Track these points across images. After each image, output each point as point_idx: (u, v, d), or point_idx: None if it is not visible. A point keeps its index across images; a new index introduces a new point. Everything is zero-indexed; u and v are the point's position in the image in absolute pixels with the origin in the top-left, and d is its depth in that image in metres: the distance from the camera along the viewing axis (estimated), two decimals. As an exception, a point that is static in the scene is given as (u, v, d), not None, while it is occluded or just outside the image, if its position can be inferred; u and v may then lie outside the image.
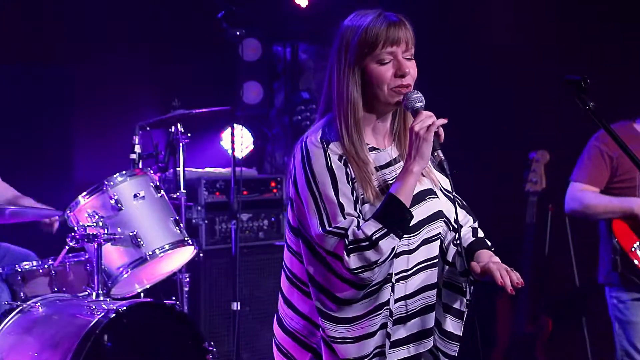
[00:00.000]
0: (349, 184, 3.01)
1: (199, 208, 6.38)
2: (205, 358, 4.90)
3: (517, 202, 6.38)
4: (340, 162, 3.02)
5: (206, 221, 6.39)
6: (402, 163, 3.11)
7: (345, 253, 2.91)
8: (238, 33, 6.24)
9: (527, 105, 6.74)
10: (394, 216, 2.97)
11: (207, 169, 6.75)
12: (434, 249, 3.17)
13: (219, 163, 6.98)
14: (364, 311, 3.02)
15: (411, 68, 3.06)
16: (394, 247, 2.97)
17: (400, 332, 3.12)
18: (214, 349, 4.95)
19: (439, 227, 3.16)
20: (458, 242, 3.17)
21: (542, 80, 6.49)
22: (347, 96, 3.05)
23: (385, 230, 2.93)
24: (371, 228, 2.94)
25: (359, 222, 2.96)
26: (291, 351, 3.17)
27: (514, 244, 6.57)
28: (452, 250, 3.21)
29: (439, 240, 3.18)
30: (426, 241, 3.13)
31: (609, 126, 3.28)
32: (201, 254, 5.92)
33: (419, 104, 3.05)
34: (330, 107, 3.12)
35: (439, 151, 3.01)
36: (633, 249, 5.13)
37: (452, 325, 3.23)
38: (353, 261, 2.91)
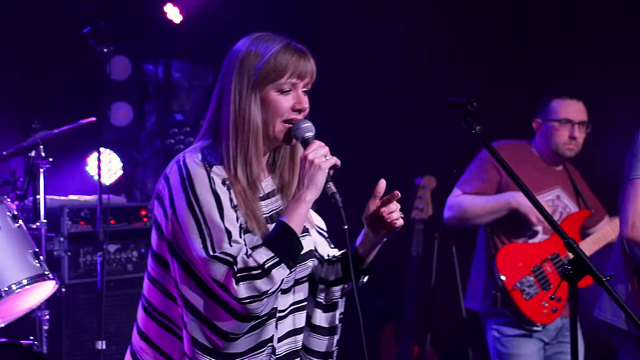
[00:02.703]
0: (232, 210, 2.98)
1: (62, 239, 6.19)
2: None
3: (404, 229, 6.35)
4: (224, 186, 2.99)
5: (69, 253, 6.21)
6: (278, 197, 3.15)
7: (233, 281, 2.86)
8: (106, 50, 6.15)
9: (414, 130, 6.76)
10: (286, 245, 2.96)
11: (71, 197, 6.60)
12: (304, 290, 3.20)
13: (84, 190, 6.82)
14: (247, 347, 3.00)
15: (306, 104, 3.09)
16: (284, 279, 2.95)
17: None
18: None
19: (309, 267, 3.17)
20: (336, 256, 3.26)
21: (429, 104, 6.52)
22: (249, 121, 3.03)
23: (278, 259, 2.91)
24: (262, 256, 2.91)
25: (247, 250, 2.93)
26: None
27: (399, 273, 6.57)
28: (325, 270, 3.25)
29: (308, 282, 3.21)
30: (297, 282, 3.15)
31: (495, 150, 3.25)
32: (63, 289, 5.81)
33: (309, 134, 3.06)
34: (217, 131, 3.08)
35: (331, 183, 3.04)
36: (515, 287, 5.14)
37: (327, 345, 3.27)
38: (242, 290, 2.86)
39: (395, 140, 7.10)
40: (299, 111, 3.07)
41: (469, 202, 5.30)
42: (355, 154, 7.20)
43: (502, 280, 5.15)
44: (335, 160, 3.04)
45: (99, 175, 6.03)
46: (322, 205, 3.17)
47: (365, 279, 3.27)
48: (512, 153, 5.25)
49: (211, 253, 2.89)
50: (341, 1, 7.40)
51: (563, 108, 5.38)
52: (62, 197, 6.49)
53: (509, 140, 5.41)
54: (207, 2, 7.24)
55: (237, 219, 2.97)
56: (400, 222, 3.15)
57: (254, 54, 3.05)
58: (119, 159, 7.38)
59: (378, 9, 7.23)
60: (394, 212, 3.15)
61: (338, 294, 3.25)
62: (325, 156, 3.03)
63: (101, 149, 6.21)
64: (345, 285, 3.24)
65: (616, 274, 4.20)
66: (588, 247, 5.24)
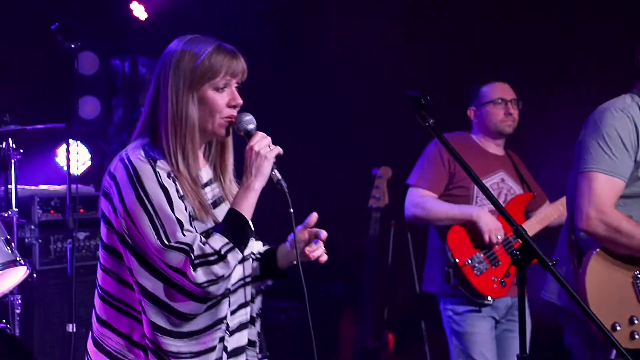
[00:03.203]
0: (180, 200, 3.05)
1: (33, 227, 6.16)
2: (38, 383, 4.74)
3: (361, 218, 6.39)
4: (169, 179, 3.06)
5: (40, 240, 6.18)
6: (216, 184, 3.26)
7: (191, 268, 2.94)
8: (73, 46, 6.11)
9: (371, 122, 6.79)
10: (239, 231, 3.07)
11: (41, 186, 6.54)
12: (247, 268, 3.28)
13: (54, 180, 6.78)
14: (204, 325, 3.07)
15: (240, 99, 3.19)
16: (237, 262, 3.06)
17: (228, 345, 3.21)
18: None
19: (249, 247, 3.24)
20: (260, 253, 3.37)
21: (384, 97, 6.55)
22: (186, 118, 3.11)
23: (232, 245, 3.02)
24: (218, 243, 3.01)
25: (201, 238, 3.00)
26: None
27: (357, 260, 6.59)
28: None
29: (251, 260, 3.31)
30: (244, 259, 3.23)
31: (448, 142, 3.31)
32: (34, 275, 5.79)
33: (251, 126, 3.19)
34: (154, 129, 3.15)
35: (276, 170, 3.15)
36: (466, 263, 5.22)
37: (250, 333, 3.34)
38: (200, 275, 2.95)
39: (354, 133, 7.11)
40: (234, 107, 3.16)
41: (434, 206, 5.35)
42: (316, 147, 7.25)
43: (453, 257, 5.24)
44: (278, 150, 3.16)
45: (68, 165, 6.02)
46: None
47: (269, 282, 3.39)
48: (456, 144, 5.27)
49: (166, 243, 2.96)
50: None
51: (494, 90, 5.53)
52: (33, 187, 6.44)
53: (449, 133, 5.47)
54: (172, 0, 7.25)
55: (186, 208, 3.05)
56: (324, 257, 3.30)
57: (188, 56, 3.12)
58: (87, 150, 7.36)
59: (335, 8, 7.25)
60: (316, 251, 3.28)
61: (254, 290, 3.33)
62: (269, 146, 3.14)
63: (70, 140, 6.19)
64: (262, 285, 3.36)
65: (562, 258, 4.24)
66: (532, 226, 5.35)
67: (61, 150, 7.14)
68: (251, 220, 3.15)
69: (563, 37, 6.68)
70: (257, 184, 3.11)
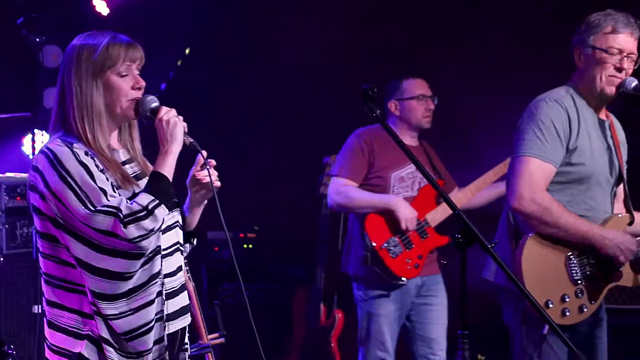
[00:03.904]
0: (101, 172, 3.14)
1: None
2: (5, 361, 4.72)
3: (315, 204, 6.40)
4: (87, 156, 3.15)
5: (7, 226, 6.10)
6: (133, 164, 3.34)
7: (121, 226, 3.02)
8: (38, 40, 6.05)
9: (322, 112, 6.80)
10: (162, 189, 3.16)
11: (8, 174, 6.46)
12: (179, 234, 3.38)
13: (20, 168, 6.70)
14: (140, 282, 3.14)
15: (143, 82, 3.28)
16: (164, 217, 3.14)
17: (169, 308, 3.27)
18: (14, 352, 4.76)
19: (176, 216, 3.36)
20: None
21: (334, 90, 6.57)
22: (92, 105, 3.20)
23: (158, 201, 3.11)
24: (145, 200, 3.10)
25: (126, 200, 3.10)
26: (66, 347, 3.18)
27: (310, 243, 6.61)
28: None
29: (179, 228, 3.39)
30: (170, 228, 3.31)
31: (394, 132, 3.37)
32: (1, 259, 5.81)
33: (155, 104, 3.28)
34: (65, 122, 3.23)
35: (187, 135, 3.27)
36: (382, 247, 5.35)
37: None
38: (131, 231, 3.03)
39: (306, 123, 7.12)
40: (139, 89, 3.26)
41: (355, 194, 5.46)
42: (268, 137, 7.26)
43: (371, 241, 5.37)
44: (183, 121, 3.27)
45: (34, 154, 6.05)
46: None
47: (195, 241, 3.56)
48: (374, 136, 5.55)
49: (92, 209, 3.04)
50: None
51: (416, 86, 5.64)
52: (0, 175, 6.41)
53: (368, 126, 5.62)
54: (132, -4, 7.22)
55: (107, 179, 3.14)
56: (217, 183, 3.37)
57: (87, 49, 3.21)
58: (52, 139, 7.29)
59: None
60: (207, 176, 3.36)
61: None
62: (176, 116, 3.26)
63: (35, 130, 6.15)
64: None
65: (501, 240, 4.29)
66: (442, 211, 5.52)
67: (27, 140, 7.07)
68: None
69: (506, 35, 6.75)
70: (174, 148, 3.22)
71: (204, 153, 3.34)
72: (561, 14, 6.38)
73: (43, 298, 3.25)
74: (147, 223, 3.06)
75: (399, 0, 7.13)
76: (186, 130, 3.28)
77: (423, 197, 5.53)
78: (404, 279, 5.40)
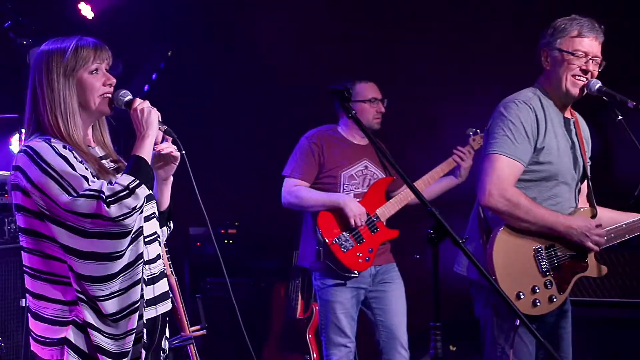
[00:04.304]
0: (80, 163, 3.19)
1: (-12, 209, 6.09)
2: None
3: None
4: (65, 149, 3.20)
5: (-5, 222, 6.10)
6: (109, 159, 3.40)
7: (104, 206, 3.05)
8: (25, 42, 6.03)
9: (302, 110, 6.81)
10: (142, 170, 3.20)
11: (-4, 172, 6.45)
12: (156, 226, 3.45)
13: (8, 166, 6.64)
14: (128, 261, 3.19)
15: (113, 78, 3.35)
16: (145, 196, 3.19)
17: (149, 294, 3.33)
18: (2, 344, 4.76)
19: (154, 207, 3.44)
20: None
21: (314, 88, 6.60)
22: (64, 102, 3.25)
23: (138, 181, 3.16)
24: (126, 180, 3.14)
25: (107, 183, 3.14)
26: (51, 336, 3.21)
27: (289, 238, 6.63)
28: None
29: (156, 219, 3.46)
30: (149, 217, 3.38)
31: (367, 129, 3.46)
32: None
33: (128, 97, 3.36)
34: (39, 124, 3.27)
35: (161, 123, 3.34)
36: (334, 242, 5.46)
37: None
38: (114, 210, 3.07)
39: (285, 121, 7.13)
40: (110, 85, 3.33)
41: (306, 194, 5.56)
42: (251, 137, 7.26)
43: (323, 237, 5.46)
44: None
45: (21, 153, 5.94)
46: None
47: (171, 224, 3.62)
48: (325, 136, 5.68)
49: (74, 195, 3.08)
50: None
51: (368, 89, 5.75)
52: (-12, 173, 6.40)
53: (317, 128, 5.75)
54: (116, 1, 7.20)
55: (87, 169, 3.20)
56: (176, 153, 3.45)
57: (56, 52, 3.28)
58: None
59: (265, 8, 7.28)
60: (166, 148, 3.43)
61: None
62: (149, 105, 3.33)
63: (23, 130, 6.11)
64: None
65: (472, 235, 4.33)
66: (391, 206, 5.65)
67: (14, 139, 7.04)
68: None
69: (477, 39, 6.80)
70: (150, 132, 3.29)
71: (167, 130, 3.41)
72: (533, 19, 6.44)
73: (27, 292, 3.27)
74: (129, 201, 3.09)
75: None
76: (160, 119, 3.34)
77: (373, 193, 5.64)
78: (355, 272, 5.53)
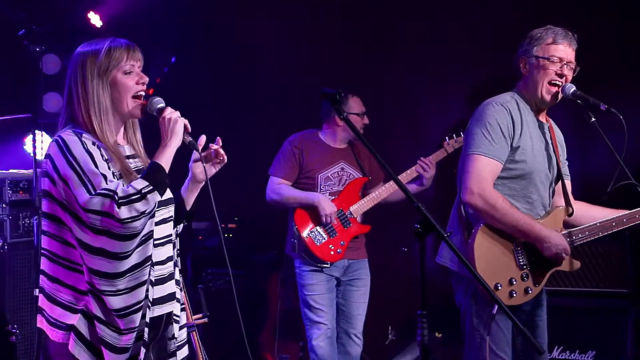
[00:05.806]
0: (104, 162, 3.16)
1: (4, 205, 6.15)
2: (9, 339, 4.70)
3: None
4: (94, 146, 3.18)
5: (10, 217, 6.15)
6: (137, 159, 3.37)
7: (115, 206, 3.02)
8: (38, 49, 6.04)
9: (300, 109, 6.80)
10: (157, 177, 3.15)
11: (12, 171, 6.48)
12: (170, 228, 3.40)
13: (22, 165, 6.70)
14: (136, 262, 3.14)
15: (146, 78, 3.32)
16: (156, 202, 3.14)
17: (157, 293, 3.28)
18: (17, 331, 4.76)
19: (171, 210, 3.39)
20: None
21: (310, 88, 6.58)
22: (99, 102, 3.22)
23: (152, 187, 3.11)
24: (139, 184, 3.10)
25: (124, 184, 3.11)
26: (62, 319, 3.18)
27: (283, 231, 6.60)
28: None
29: (172, 222, 3.41)
30: (164, 221, 3.34)
31: (359, 132, 3.37)
32: (6, 247, 5.85)
33: (161, 104, 3.32)
34: (74, 118, 3.25)
35: (187, 134, 3.30)
36: (308, 235, 5.65)
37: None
38: (124, 212, 3.03)
39: (284, 119, 7.12)
40: (143, 84, 3.29)
41: (287, 192, 5.76)
42: (250, 138, 7.25)
43: (298, 230, 5.66)
44: (186, 121, 3.30)
45: (34, 152, 6.04)
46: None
47: (186, 222, 3.57)
48: (306, 140, 5.87)
49: (93, 192, 3.05)
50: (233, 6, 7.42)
51: (358, 104, 5.85)
52: (4, 171, 6.41)
53: (299, 133, 5.92)
54: (123, 10, 7.20)
55: (109, 168, 3.16)
56: (222, 151, 3.47)
57: (91, 53, 3.25)
58: (50, 139, 7.24)
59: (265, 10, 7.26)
60: (202, 169, 3.43)
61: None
62: (179, 116, 3.29)
63: (36, 131, 6.14)
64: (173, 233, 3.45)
65: (454, 230, 4.32)
66: (366, 203, 5.82)
67: (28, 140, 7.05)
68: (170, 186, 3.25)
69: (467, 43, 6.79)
70: (173, 143, 3.24)
71: (200, 146, 3.39)
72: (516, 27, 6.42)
73: (42, 274, 3.24)
74: (139, 205, 3.05)
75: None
76: (189, 130, 3.31)
77: (348, 192, 5.80)
78: (327, 263, 5.69)
